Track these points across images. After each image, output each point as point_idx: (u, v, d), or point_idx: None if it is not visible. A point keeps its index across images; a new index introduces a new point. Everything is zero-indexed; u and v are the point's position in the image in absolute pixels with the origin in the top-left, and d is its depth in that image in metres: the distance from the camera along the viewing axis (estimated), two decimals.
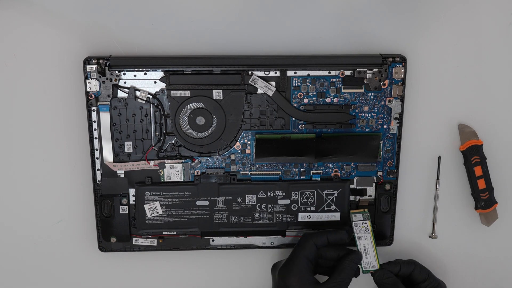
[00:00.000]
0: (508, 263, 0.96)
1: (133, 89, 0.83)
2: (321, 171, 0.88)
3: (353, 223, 0.87)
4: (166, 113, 0.84)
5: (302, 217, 0.89)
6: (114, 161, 0.85)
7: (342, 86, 0.84)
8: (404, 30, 0.85)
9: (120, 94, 0.83)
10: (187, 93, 0.83)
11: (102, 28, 0.82)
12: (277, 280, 0.84)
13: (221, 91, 0.83)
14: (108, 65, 0.81)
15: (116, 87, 0.82)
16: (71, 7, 0.81)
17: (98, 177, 0.86)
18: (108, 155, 0.85)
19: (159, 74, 0.82)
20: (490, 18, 0.85)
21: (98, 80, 0.82)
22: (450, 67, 0.87)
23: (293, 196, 0.88)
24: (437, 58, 0.86)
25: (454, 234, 0.94)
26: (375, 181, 0.88)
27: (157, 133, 0.84)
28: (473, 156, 0.88)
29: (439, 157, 0.90)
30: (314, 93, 0.84)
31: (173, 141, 0.85)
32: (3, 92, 0.84)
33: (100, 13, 0.82)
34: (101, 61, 0.81)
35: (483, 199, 0.90)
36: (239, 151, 0.86)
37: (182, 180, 0.87)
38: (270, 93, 0.83)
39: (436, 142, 0.89)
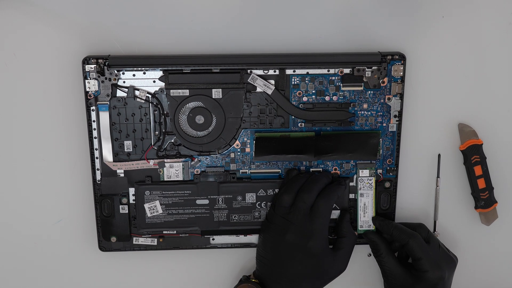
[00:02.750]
0: (508, 263, 0.96)
1: (132, 89, 0.83)
2: (321, 169, 0.88)
3: (359, 178, 0.87)
4: (165, 112, 0.84)
5: None
6: (113, 161, 0.85)
7: (341, 84, 0.84)
8: (403, 29, 0.85)
9: (119, 93, 0.83)
10: (186, 92, 0.83)
11: (101, 27, 0.82)
12: None
13: (220, 90, 0.83)
14: (107, 64, 0.81)
15: (115, 86, 0.82)
16: (71, 7, 0.81)
17: (98, 177, 0.86)
18: (108, 155, 0.85)
19: (158, 73, 0.82)
20: (490, 18, 0.85)
21: (97, 79, 0.82)
22: (449, 66, 0.87)
23: None
24: (437, 57, 0.86)
25: (453, 233, 0.93)
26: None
27: (157, 132, 0.84)
28: (473, 155, 0.88)
29: (439, 155, 0.90)
30: (313, 91, 0.84)
31: (172, 140, 0.85)
32: (3, 92, 0.84)
33: (100, 13, 0.82)
34: (100, 60, 0.81)
35: (483, 199, 0.89)
36: (238, 150, 0.86)
37: (182, 179, 0.86)
38: (269, 92, 0.83)
39: (436, 141, 0.89)
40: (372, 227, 0.89)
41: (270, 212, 0.86)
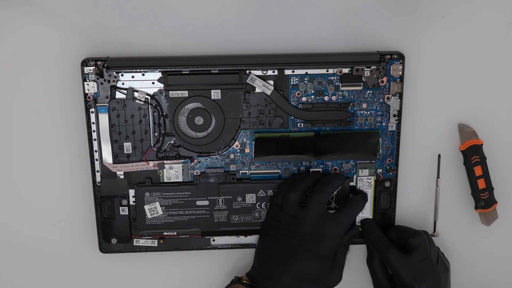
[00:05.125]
0: (508, 263, 0.96)
1: (131, 90, 0.83)
2: (321, 169, 0.87)
3: (358, 178, 0.88)
4: (164, 113, 0.84)
5: None
6: (113, 162, 0.85)
7: (340, 84, 0.84)
8: (403, 29, 0.85)
9: (118, 95, 0.83)
10: (185, 93, 0.83)
11: (101, 28, 0.82)
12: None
13: (219, 90, 0.83)
14: (106, 66, 0.81)
15: (114, 88, 0.82)
16: (71, 7, 0.82)
17: (98, 179, 0.86)
18: (108, 157, 0.85)
19: (157, 74, 0.82)
20: (490, 18, 0.85)
21: (96, 81, 0.82)
22: (449, 67, 0.87)
23: None
24: (437, 57, 0.86)
25: (454, 233, 0.93)
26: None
27: (156, 134, 0.84)
28: (473, 156, 0.88)
29: (439, 156, 0.90)
30: (312, 91, 0.84)
31: (172, 142, 0.85)
32: (3, 92, 0.84)
33: (99, 14, 0.82)
34: (98, 62, 0.81)
35: (483, 199, 0.89)
36: (238, 151, 0.86)
37: (181, 180, 0.87)
38: (268, 92, 0.83)
39: (436, 141, 0.89)
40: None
41: (275, 211, 0.85)
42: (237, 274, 0.93)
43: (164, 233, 0.88)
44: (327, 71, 0.84)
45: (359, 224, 0.90)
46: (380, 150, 0.87)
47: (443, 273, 0.86)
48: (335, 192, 0.87)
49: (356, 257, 0.93)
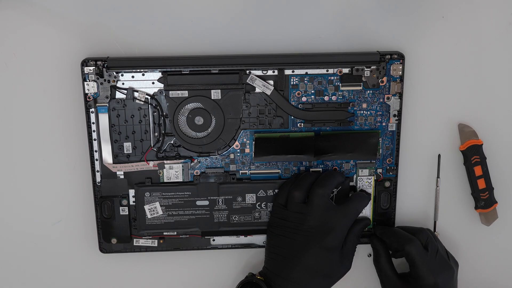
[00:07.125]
0: (508, 263, 0.96)
1: (131, 90, 0.83)
2: (321, 169, 0.87)
3: (358, 178, 0.88)
4: (164, 113, 0.84)
5: None
6: (113, 162, 0.85)
7: (340, 84, 0.84)
8: (403, 29, 0.85)
9: (119, 95, 0.83)
10: (185, 93, 0.83)
11: (101, 28, 0.82)
12: None
13: (219, 90, 0.83)
14: (106, 66, 0.81)
15: (114, 88, 0.82)
16: (71, 7, 0.82)
17: (98, 179, 0.86)
18: (108, 157, 0.85)
19: (157, 74, 0.82)
20: (490, 18, 0.85)
21: (96, 81, 0.82)
22: (449, 66, 0.87)
23: None
24: (437, 57, 0.86)
25: (453, 233, 0.93)
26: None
27: (156, 134, 0.84)
28: (473, 156, 0.88)
29: (439, 156, 0.89)
30: (312, 91, 0.84)
31: (172, 142, 0.85)
32: (3, 92, 0.84)
33: (99, 14, 0.82)
34: (98, 62, 0.81)
35: (483, 199, 0.89)
36: (238, 151, 0.86)
37: (181, 180, 0.87)
38: (268, 92, 0.83)
39: (436, 140, 0.89)
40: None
41: (280, 211, 0.85)
42: (237, 274, 0.93)
43: (164, 233, 0.88)
44: (327, 71, 0.84)
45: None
46: (380, 150, 0.87)
47: (455, 268, 0.87)
48: (335, 192, 0.87)
49: (359, 257, 0.93)
